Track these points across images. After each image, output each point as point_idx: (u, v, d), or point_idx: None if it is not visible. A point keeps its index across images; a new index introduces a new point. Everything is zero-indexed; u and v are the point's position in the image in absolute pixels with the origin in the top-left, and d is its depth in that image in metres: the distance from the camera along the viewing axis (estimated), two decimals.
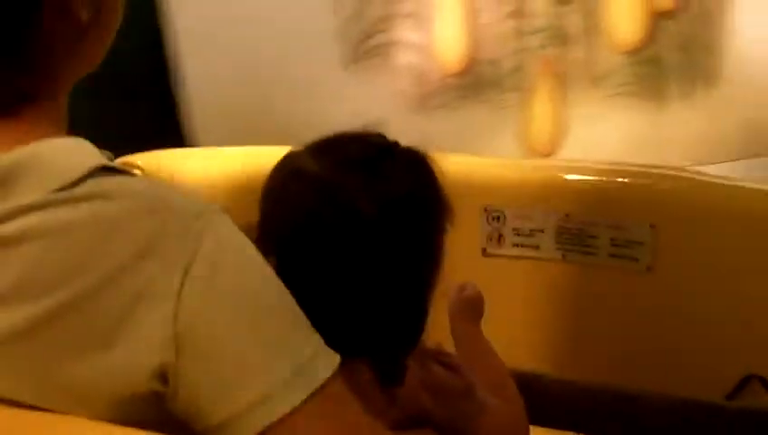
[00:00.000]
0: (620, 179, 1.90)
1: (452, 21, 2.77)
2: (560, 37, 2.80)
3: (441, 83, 2.79)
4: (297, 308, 0.82)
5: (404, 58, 2.78)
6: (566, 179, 1.93)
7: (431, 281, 1.09)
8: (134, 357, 0.75)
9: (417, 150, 1.09)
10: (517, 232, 1.92)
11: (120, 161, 0.85)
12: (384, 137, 1.11)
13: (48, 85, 0.83)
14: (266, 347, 0.78)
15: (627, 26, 2.82)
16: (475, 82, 2.79)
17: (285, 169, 1.09)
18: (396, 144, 1.10)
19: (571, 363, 1.91)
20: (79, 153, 0.80)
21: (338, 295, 1.01)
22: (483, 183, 1.95)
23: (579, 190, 1.91)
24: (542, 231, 1.90)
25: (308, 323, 0.82)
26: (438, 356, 1.13)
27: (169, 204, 0.79)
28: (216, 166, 2.04)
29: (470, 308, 1.27)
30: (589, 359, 1.90)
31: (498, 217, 1.93)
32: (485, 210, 1.94)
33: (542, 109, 2.80)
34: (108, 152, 0.84)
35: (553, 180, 1.94)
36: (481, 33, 2.78)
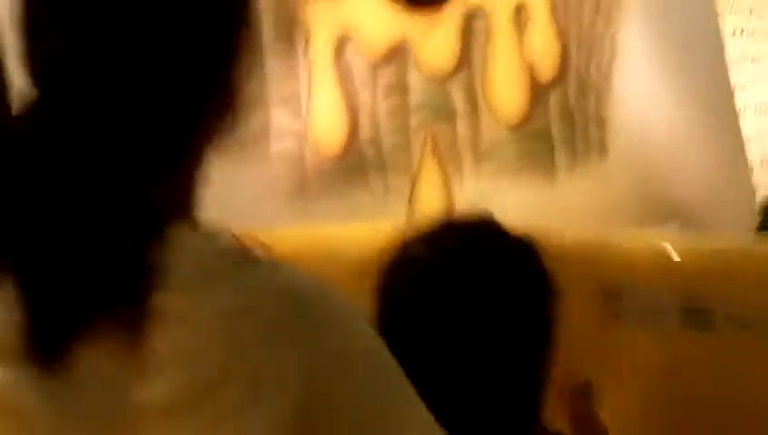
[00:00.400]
0: (742, 256, 1.94)
1: (328, 102, 2.64)
2: (442, 113, 2.70)
3: (320, 168, 2.64)
4: (418, 397, 0.84)
5: (279, 144, 2.62)
6: (685, 255, 1.92)
7: (544, 364, 1.14)
8: None
9: (526, 237, 1.16)
10: (635, 309, 1.87)
11: (242, 236, 0.89)
12: (496, 223, 1.18)
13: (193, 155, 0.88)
14: None
15: (509, 100, 2.74)
16: (357, 164, 2.66)
17: (397, 257, 1.16)
18: (504, 230, 1.17)
19: None
20: (212, 236, 0.85)
21: (454, 382, 1.07)
22: (600, 259, 1.95)
23: (698, 266, 1.91)
24: (661, 308, 1.86)
25: (430, 413, 0.84)
26: None
27: (294, 290, 0.83)
28: (348, 244, 2.03)
29: (580, 394, 1.33)
30: None
31: (615, 294, 1.89)
32: (602, 287, 1.91)
33: (428, 188, 2.69)
34: (232, 230, 0.87)
35: (671, 256, 1.92)
36: (360, 113, 2.66)
